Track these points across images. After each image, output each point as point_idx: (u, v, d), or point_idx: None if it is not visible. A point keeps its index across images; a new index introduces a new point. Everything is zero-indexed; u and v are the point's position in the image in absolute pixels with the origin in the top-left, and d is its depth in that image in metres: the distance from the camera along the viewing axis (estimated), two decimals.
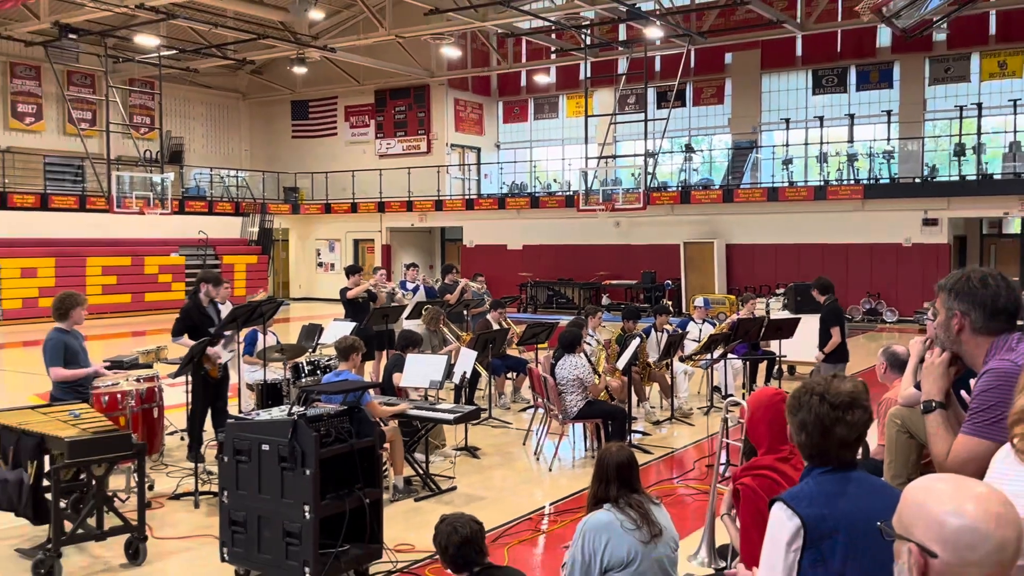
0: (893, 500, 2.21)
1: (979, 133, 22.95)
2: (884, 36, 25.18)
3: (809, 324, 12.30)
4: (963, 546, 1.61)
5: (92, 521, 5.93)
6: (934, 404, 2.69)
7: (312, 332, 10.87)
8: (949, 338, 2.68)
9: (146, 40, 25.12)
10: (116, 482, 6.96)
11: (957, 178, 22.83)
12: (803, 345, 12.22)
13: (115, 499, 6.35)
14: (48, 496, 5.72)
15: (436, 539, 3.99)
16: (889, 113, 24.96)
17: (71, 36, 24.14)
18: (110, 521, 5.96)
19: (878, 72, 25.70)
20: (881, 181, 23.53)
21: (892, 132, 24.82)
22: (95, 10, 21.98)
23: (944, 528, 1.63)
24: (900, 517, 1.71)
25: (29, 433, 5.82)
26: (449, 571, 4.08)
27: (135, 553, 5.81)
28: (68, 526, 5.75)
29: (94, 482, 5.81)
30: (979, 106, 23.19)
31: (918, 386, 3.14)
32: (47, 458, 5.85)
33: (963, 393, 2.74)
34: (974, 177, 22.38)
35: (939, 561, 1.63)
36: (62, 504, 5.77)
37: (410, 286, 13.56)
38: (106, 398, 7.23)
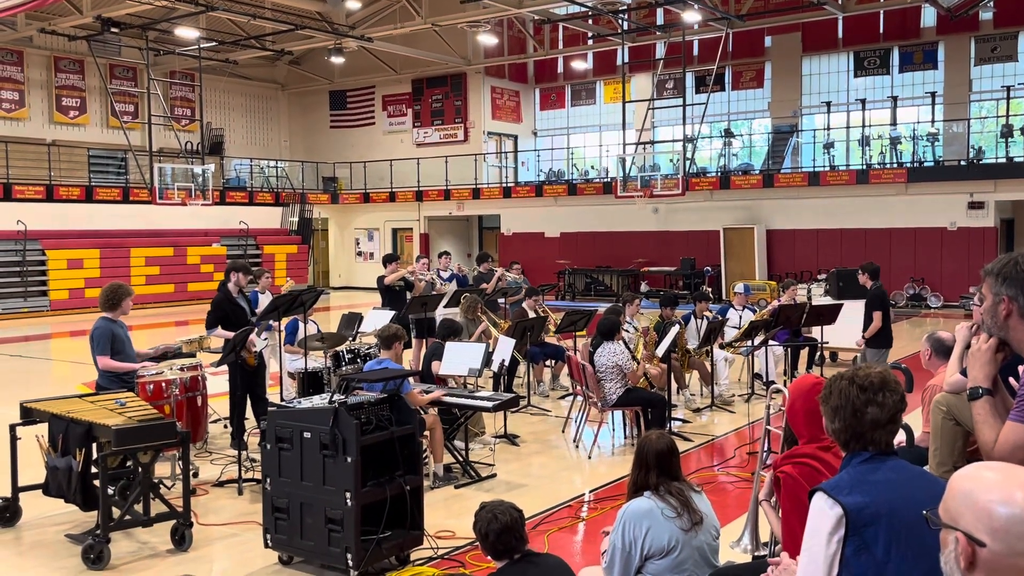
0: (933, 487, 2.17)
1: None
2: (928, 16, 24.70)
3: (852, 310, 12.15)
4: (1012, 536, 1.58)
5: (139, 507, 6.04)
6: (981, 391, 2.65)
7: (352, 321, 10.94)
8: (996, 324, 2.63)
9: (186, 32, 25.40)
10: (162, 469, 7.08)
11: (1004, 160, 22.36)
12: (845, 331, 12.06)
13: (161, 486, 6.46)
14: (96, 483, 5.84)
15: (476, 526, 4.00)
16: (933, 95, 24.49)
17: (113, 30, 24.48)
18: (156, 508, 6.06)
19: (922, 53, 25.22)
20: (925, 164, 23.12)
21: (936, 114, 24.36)
22: (136, 3, 22.27)
23: (992, 517, 1.60)
24: (946, 506, 1.69)
25: (77, 421, 5.94)
26: (489, 558, 4.09)
27: (181, 539, 5.90)
28: (116, 512, 5.86)
29: (140, 469, 5.92)
30: None
31: (964, 372, 3.09)
32: (95, 446, 5.97)
33: (1011, 380, 2.69)
34: (1022, 159, 21.90)
35: (987, 551, 1.60)
36: (110, 491, 5.88)
37: (444, 275, 13.61)
38: (151, 387, 7.35)
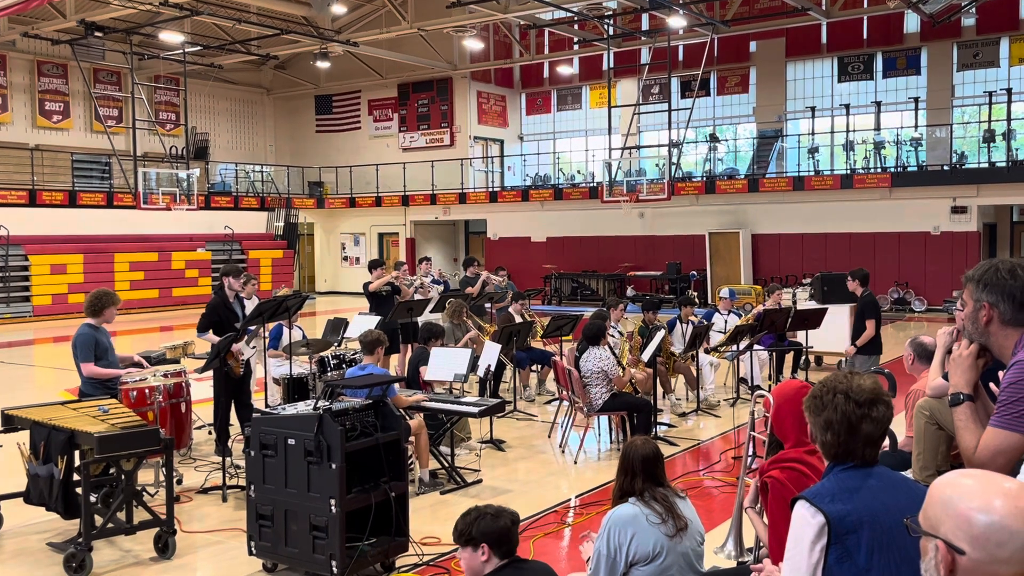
0: (915, 495, 2.16)
1: (1009, 119, 22.62)
2: (911, 22, 24.86)
3: (836, 314, 12.21)
4: (992, 543, 1.58)
5: (122, 515, 6.00)
6: (962, 397, 2.66)
7: (337, 326, 10.91)
8: (977, 330, 2.64)
9: (171, 37, 25.31)
10: (145, 476, 7.03)
11: (987, 165, 22.53)
12: (830, 336, 12.12)
13: (144, 493, 6.42)
14: (78, 491, 5.79)
15: (476, 523, 3.84)
16: (917, 100, 24.64)
17: (97, 34, 24.37)
18: (139, 515, 6.02)
19: (905, 58, 25.38)
20: (909, 169, 23.26)
21: (920, 119, 24.51)
22: (120, 7, 22.17)
23: (972, 525, 1.60)
24: (926, 513, 1.69)
25: (59, 428, 5.89)
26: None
27: (164, 547, 5.87)
28: (98, 520, 5.81)
29: (123, 477, 5.88)
30: (1009, 91, 22.84)
31: (946, 377, 3.10)
32: (77, 453, 5.93)
33: (992, 385, 2.71)
34: (1004, 163, 22.06)
35: (967, 558, 1.60)
36: (92, 498, 5.84)
37: (426, 279, 13.60)
38: (134, 393, 7.30)
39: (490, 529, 3.72)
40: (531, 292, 14.42)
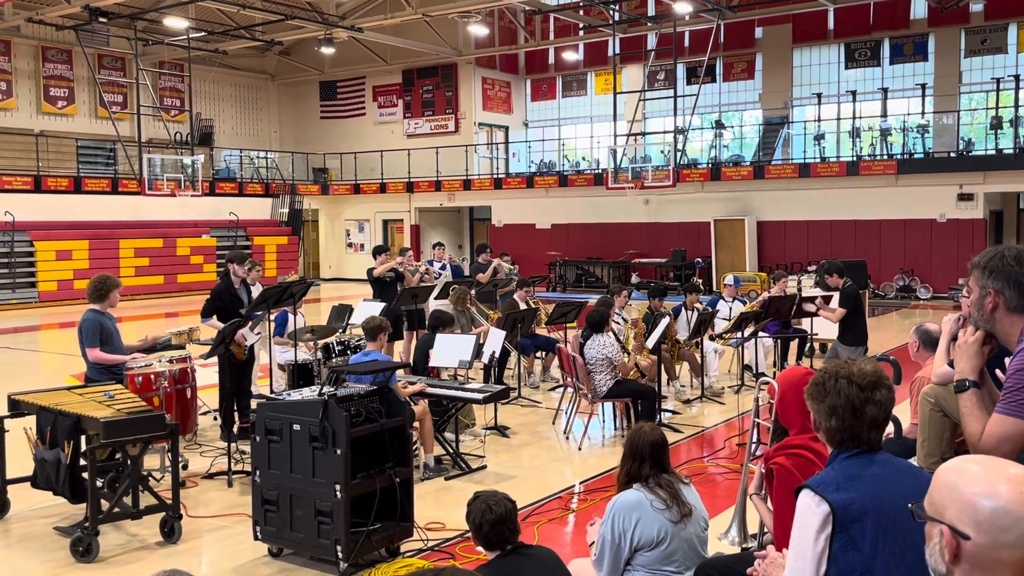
0: (919, 481, 2.17)
1: (1016, 105, 22.49)
2: (919, 8, 24.72)
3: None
4: (996, 528, 1.58)
5: (128, 500, 6.03)
6: (967, 383, 2.66)
7: (342, 312, 10.91)
8: (982, 317, 2.64)
9: (175, 22, 25.27)
10: (151, 462, 7.07)
11: (993, 152, 22.43)
12: (835, 323, 12.08)
13: (150, 478, 6.44)
14: (85, 475, 5.82)
15: (470, 517, 3.92)
16: (923, 86, 24.51)
17: (101, 19, 24.33)
18: (145, 500, 6.05)
19: (912, 45, 25.25)
20: (915, 156, 23.17)
21: (926, 106, 24.39)
22: None
23: (977, 510, 1.60)
24: (931, 499, 1.69)
25: (65, 414, 5.92)
26: (481, 549, 4.07)
27: (170, 531, 5.89)
28: (105, 505, 5.84)
29: (129, 462, 5.90)
30: (1016, 78, 22.70)
31: (951, 364, 3.10)
32: (83, 438, 5.95)
33: (997, 372, 2.70)
34: (1011, 150, 21.97)
35: (971, 543, 1.60)
36: (98, 483, 5.86)
37: (437, 265, 13.59)
38: (140, 379, 7.32)
39: None
40: (536, 279, 14.41)
